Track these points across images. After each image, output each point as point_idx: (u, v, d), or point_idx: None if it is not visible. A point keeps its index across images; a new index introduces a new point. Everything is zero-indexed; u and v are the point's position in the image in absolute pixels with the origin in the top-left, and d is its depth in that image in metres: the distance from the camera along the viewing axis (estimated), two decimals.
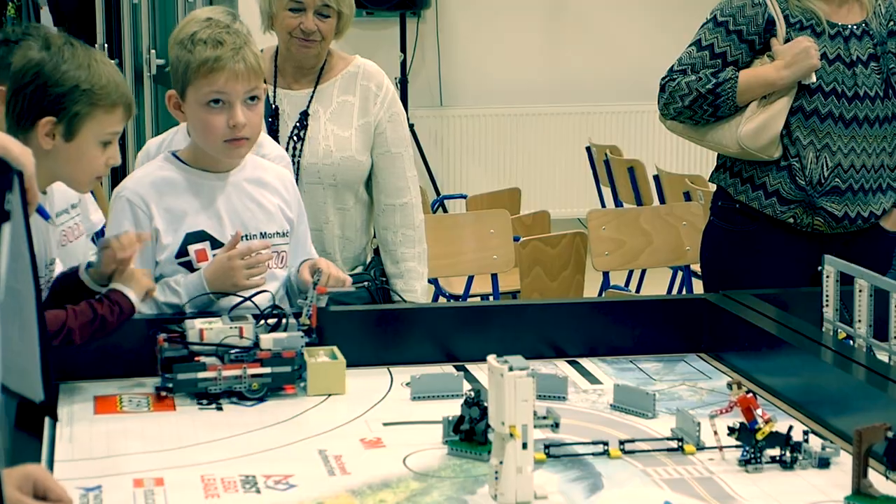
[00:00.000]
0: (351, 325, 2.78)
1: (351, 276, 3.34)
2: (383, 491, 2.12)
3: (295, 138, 3.54)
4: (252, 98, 2.85)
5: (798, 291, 3.17)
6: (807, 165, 3.47)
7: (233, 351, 2.57)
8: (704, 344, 2.91)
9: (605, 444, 2.28)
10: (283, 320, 2.65)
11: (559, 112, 8.64)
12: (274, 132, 3.54)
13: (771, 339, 2.67)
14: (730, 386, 2.28)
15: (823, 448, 2.23)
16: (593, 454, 2.27)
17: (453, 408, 2.34)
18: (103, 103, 2.56)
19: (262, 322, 2.65)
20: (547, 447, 2.26)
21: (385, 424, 2.44)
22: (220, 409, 2.53)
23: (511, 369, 2.03)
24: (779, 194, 3.49)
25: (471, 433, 2.28)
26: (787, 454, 2.21)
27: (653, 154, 8.27)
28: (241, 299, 2.74)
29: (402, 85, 8.08)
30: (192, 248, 2.85)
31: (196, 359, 2.56)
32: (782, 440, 2.21)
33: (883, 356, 2.49)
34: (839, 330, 2.65)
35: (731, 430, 2.23)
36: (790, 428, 2.22)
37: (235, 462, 2.24)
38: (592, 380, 2.74)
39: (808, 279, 3.39)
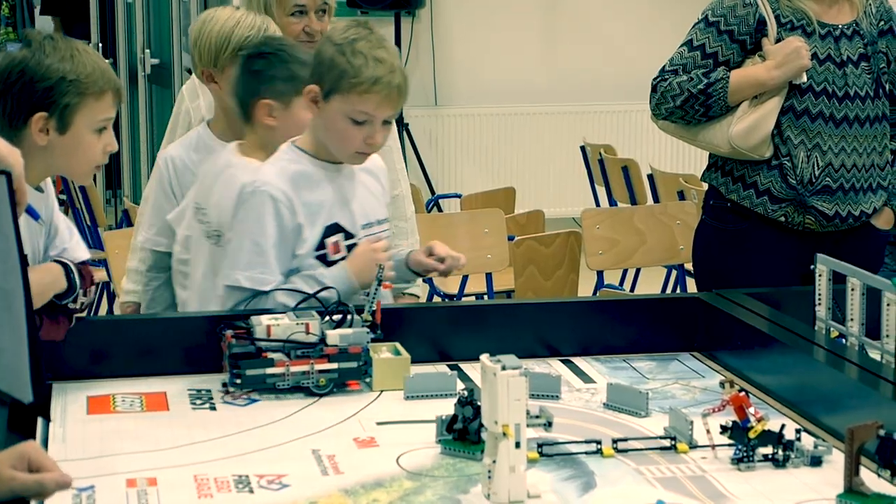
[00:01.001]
0: None
1: None
2: (376, 490, 2.11)
3: None
4: (389, 121, 2.89)
5: (790, 290, 3.17)
6: (798, 164, 3.47)
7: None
8: (697, 343, 2.91)
9: (598, 442, 2.28)
10: (348, 316, 2.66)
11: (553, 111, 8.64)
12: None
13: (764, 338, 2.68)
14: (722, 384, 2.28)
15: (816, 446, 2.23)
16: (586, 453, 2.26)
17: (447, 407, 2.34)
18: (92, 91, 2.54)
19: (328, 318, 2.66)
20: (540, 446, 2.26)
21: (378, 424, 2.43)
22: (213, 408, 2.53)
23: (504, 368, 2.03)
24: (770, 193, 3.49)
25: (464, 432, 2.27)
26: (780, 452, 2.21)
27: (647, 153, 8.26)
28: (304, 295, 2.76)
29: None
30: (328, 241, 2.89)
31: (263, 355, 2.57)
32: (775, 438, 2.21)
33: (875, 355, 2.49)
34: (831, 328, 2.65)
35: (724, 429, 2.23)
36: (782, 426, 2.22)
37: (228, 462, 2.23)
38: (586, 379, 2.74)
39: (799, 278, 3.39)
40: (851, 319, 2.56)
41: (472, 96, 8.57)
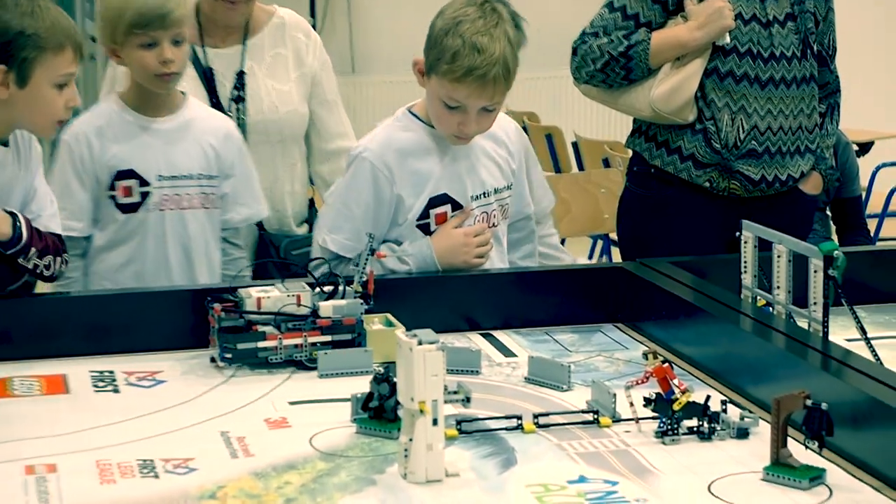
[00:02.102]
0: None
1: (301, 236, 3.53)
2: (288, 472, 2.10)
3: (236, 98, 3.52)
4: (489, 108, 2.89)
5: (716, 258, 3.18)
6: (722, 128, 3.48)
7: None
8: (621, 313, 2.92)
9: (519, 418, 2.28)
10: (339, 287, 2.66)
11: None
12: (213, 94, 3.52)
13: (688, 308, 2.69)
14: (645, 356, 2.28)
15: (742, 418, 2.25)
16: (506, 429, 2.26)
17: (362, 385, 2.32)
18: (50, 46, 2.65)
19: (318, 289, 2.66)
20: (458, 423, 2.25)
21: (291, 403, 2.42)
22: (116, 391, 2.50)
23: (420, 343, 2.02)
24: (694, 158, 3.50)
25: (380, 410, 2.26)
26: (705, 425, 2.22)
27: (571, 120, 8.28)
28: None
29: None
30: (433, 212, 2.93)
31: (253, 328, 2.57)
32: (700, 411, 2.22)
33: (803, 323, 2.51)
34: (758, 297, 2.66)
35: (648, 402, 2.24)
36: (708, 398, 2.23)
37: (132, 446, 2.21)
38: (506, 352, 2.74)
39: (725, 245, 3.40)
40: (778, 287, 2.58)
41: (390, 63, 8.53)
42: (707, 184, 3.50)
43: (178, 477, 2.08)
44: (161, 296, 2.82)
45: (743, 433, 2.23)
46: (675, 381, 2.23)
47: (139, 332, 2.71)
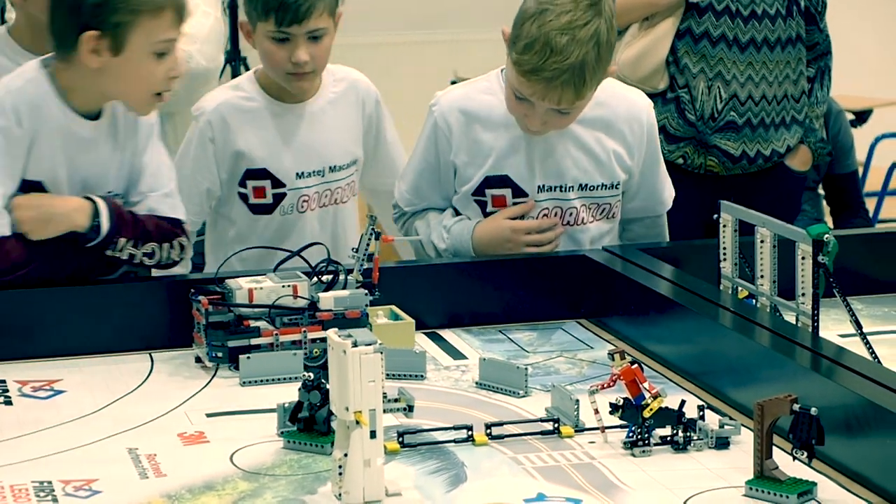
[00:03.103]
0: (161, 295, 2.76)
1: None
2: (206, 494, 2.10)
3: None
4: (562, 111, 2.89)
5: (691, 244, 3.21)
6: (697, 97, 3.50)
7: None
8: (585, 308, 2.94)
9: (469, 428, 2.29)
10: (340, 276, 2.68)
11: (420, 41, 8.64)
12: None
13: (660, 301, 2.71)
14: (612, 356, 2.29)
15: (722, 425, 2.26)
16: (455, 441, 2.27)
17: (289, 393, 2.33)
18: (147, 8, 2.66)
19: (316, 279, 2.68)
20: (400, 435, 2.26)
21: (209, 416, 2.43)
22: (8, 402, 2.49)
23: (355, 344, 2.03)
24: (665, 131, 3.52)
25: (311, 422, 2.27)
26: (680, 434, 2.24)
27: None
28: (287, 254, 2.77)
29: (232, 11, 7.99)
30: (489, 192, 2.97)
31: (245, 323, 2.59)
32: (674, 418, 2.23)
33: (790, 317, 2.53)
34: (739, 288, 2.69)
35: (615, 408, 2.25)
36: (682, 403, 2.25)
37: (27, 466, 2.21)
38: (455, 354, 2.75)
39: (701, 229, 3.43)
40: (762, 276, 2.60)
41: None
42: (681, 160, 3.53)
43: (79, 500, 2.08)
44: (60, 294, 2.81)
45: (722, 443, 2.25)
46: (646, 385, 2.24)
47: (35, 334, 2.70)
